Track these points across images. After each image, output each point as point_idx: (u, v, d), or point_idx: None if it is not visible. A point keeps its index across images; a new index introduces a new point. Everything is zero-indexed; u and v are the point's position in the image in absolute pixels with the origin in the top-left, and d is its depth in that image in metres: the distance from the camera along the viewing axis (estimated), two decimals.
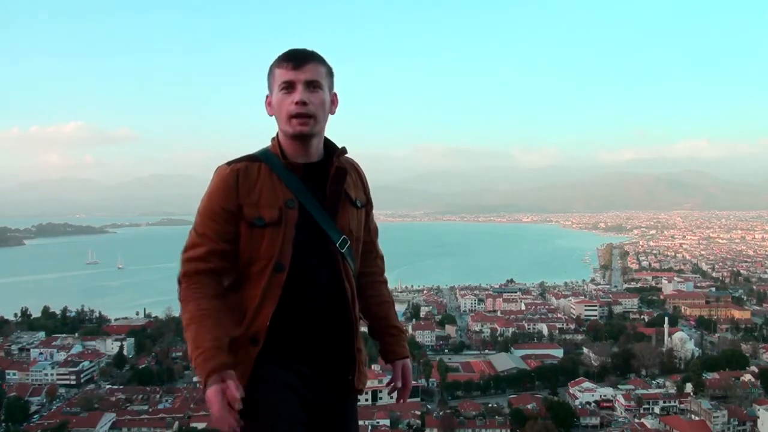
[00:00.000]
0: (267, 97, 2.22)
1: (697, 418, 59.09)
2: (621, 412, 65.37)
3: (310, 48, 2.21)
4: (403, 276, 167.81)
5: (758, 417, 57.78)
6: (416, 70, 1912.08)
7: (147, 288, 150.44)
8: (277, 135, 2.24)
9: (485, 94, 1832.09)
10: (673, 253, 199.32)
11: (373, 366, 58.72)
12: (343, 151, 2.29)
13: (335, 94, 2.24)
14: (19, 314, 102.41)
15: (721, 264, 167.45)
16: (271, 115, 2.23)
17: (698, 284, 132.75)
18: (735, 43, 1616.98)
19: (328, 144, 2.28)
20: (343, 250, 2.21)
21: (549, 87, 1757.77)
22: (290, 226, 2.14)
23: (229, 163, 2.19)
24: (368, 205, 2.40)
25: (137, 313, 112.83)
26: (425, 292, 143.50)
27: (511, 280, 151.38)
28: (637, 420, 61.52)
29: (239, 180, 2.14)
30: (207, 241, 2.12)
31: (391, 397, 2.44)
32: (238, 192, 2.13)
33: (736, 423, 59.07)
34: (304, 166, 2.20)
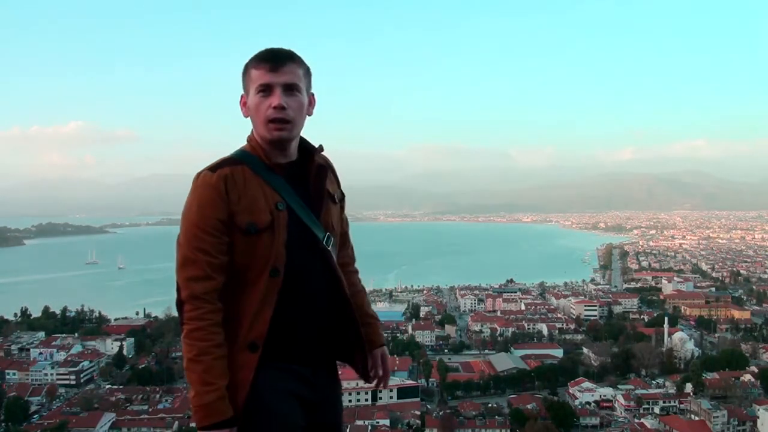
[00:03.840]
0: (242, 97, 2.16)
1: (696, 418, 59.04)
2: (621, 412, 65.30)
3: (289, 48, 2.15)
4: (403, 276, 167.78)
5: (758, 417, 57.72)
6: (416, 71, 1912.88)
7: (147, 288, 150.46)
8: (255, 136, 2.18)
9: (485, 94, 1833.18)
10: (673, 253, 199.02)
11: None
12: (321, 148, 2.28)
13: (313, 95, 2.20)
14: (19, 314, 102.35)
15: (720, 264, 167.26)
16: (246, 117, 2.16)
17: (698, 284, 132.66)
18: (733, 43, 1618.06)
19: (303, 142, 2.26)
20: (329, 247, 2.23)
21: (548, 87, 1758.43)
22: (282, 228, 2.10)
23: (212, 169, 2.08)
24: (343, 199, 2.43)
25: (137, 313, 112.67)
26: (425, 292, 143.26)
27: (511, 280, 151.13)
28: (636, 420, 61.46)
29: (228, 187, 2.05)
30: (205, 256, 2.02)
31: (372, 385, 2.49)
32: (229, 199, 2.04)
33: (736, 423, 58.98)
34: (285, 165, 2.19)
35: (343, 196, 2.41)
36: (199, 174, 2.09)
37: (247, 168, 2.11)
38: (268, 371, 2.10)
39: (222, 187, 2.04)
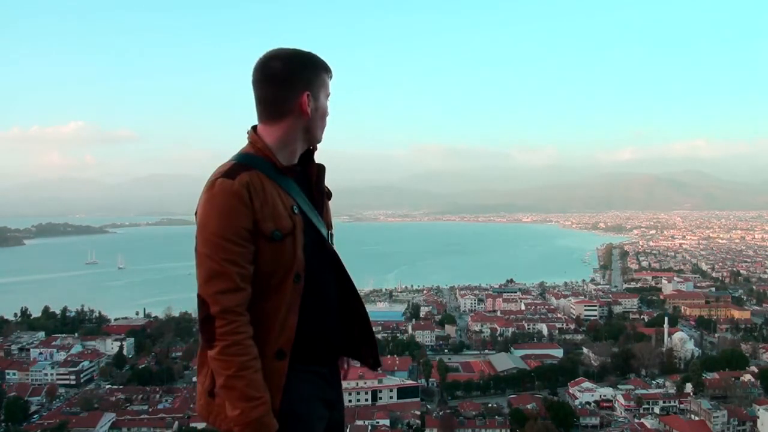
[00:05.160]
0: (308, 95, 2.14)
1: (696, 418, 59.03)
2: (621, 412, 65.34)
3: (308, 47, 2.21)
4: (403, 276, 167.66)
5: (758, 417, 57.70)
6: (417, 71, 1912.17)
7: (147, 288, 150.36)
8: (261, 137, 2.16)
9: (485, 94, 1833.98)
10: (673, 253, 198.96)
11: None
12: (315, 148, 2.32)
13: None
14: (19, 314, 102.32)
15: (721, 264, 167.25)
16: (308, 116, 2.16)
17: (698, 284, 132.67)
18: (733, 43, 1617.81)
19: None
20: (333, 245, 2.29)
21: (547, 87, 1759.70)
22: (300, 232, 2.10)
23: (230, 176, 2.02)
24: (331, 195, 2.46)
25: (137, 313, 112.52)
26: (425, 292, 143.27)
27: (511, 280, 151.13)
28: (636, 420, 61.48)
29: (251, 194, 2.01)
30: (235, 267, 1.98)
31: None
32: (253, 207, 2.01)
33: (736, 423, 59.01)
34: (292, 168, 2.22)
35: (330, 193, 2.44)
36: (213, 181, 2.02)
37: (261, 172, 2.09)
38: (294, 375, 2.11)
39: (245, 195, 2.00)
